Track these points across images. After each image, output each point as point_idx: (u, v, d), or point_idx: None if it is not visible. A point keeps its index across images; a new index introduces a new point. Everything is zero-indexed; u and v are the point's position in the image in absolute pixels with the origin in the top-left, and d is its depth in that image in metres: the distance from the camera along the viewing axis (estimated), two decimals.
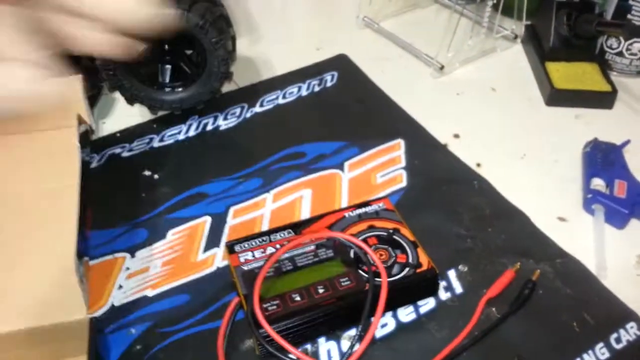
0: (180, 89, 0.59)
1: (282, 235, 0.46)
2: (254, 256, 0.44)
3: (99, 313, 0.43)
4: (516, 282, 0.45)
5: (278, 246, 0.44)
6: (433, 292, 0.45)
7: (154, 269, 0.47)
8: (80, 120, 0.50)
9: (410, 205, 0.51)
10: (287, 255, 0.44)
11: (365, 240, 0.45)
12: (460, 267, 0.47)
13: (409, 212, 0.49)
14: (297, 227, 0.46)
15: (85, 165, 0.48)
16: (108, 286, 0.45)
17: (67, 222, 0.40)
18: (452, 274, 0.46)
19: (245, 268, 0.43)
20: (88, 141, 0.52)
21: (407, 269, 0.43)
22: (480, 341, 0.41)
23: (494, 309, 0.44)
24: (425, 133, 0.60)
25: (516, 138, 0.60)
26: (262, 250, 0.44)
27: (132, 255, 0.48)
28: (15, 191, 0.45)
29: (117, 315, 0.43)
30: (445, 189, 0.53)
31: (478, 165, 0.56)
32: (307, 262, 0.43)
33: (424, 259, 0.44)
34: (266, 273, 0.42)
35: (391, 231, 0.46)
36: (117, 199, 0.53)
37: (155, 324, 0.43)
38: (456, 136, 0.60)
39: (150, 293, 0.45)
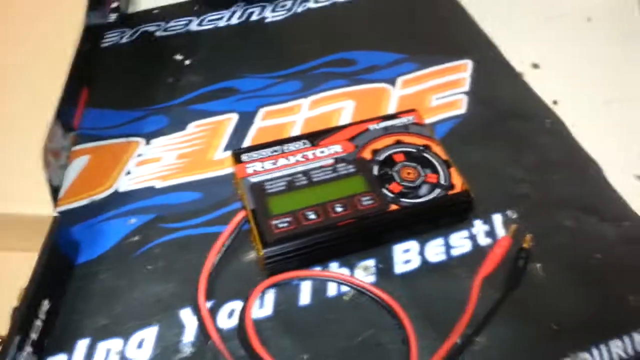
0: None
1: (296, 146, 0.40)
2: (263, 167, 0.39)
3: (100, 197, 0.40)
4: (574, 239, 0.39)
5: (292, 158, 0.39)
6: (465, 218, 0.40)
7: (167, 159, 0.43)
8: None
9: (464, 135, 0.46)
10: (301, 168, 0.39)
11: (391, 157, 0.40)
12: (508, 212, 0.41)
13: (461, 144, 0.44)
14: (314, 138, 0.41)
15: (92, 36, 0.42)
16: (116, 170, 0.42)
17: (45, 104, 0.35)
18: (497, 218, 0.40)
19: (254, 180, 0.38)
20: (103, 10, 0.45)
21: (437, 190, 0.37)
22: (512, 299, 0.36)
23: (538, 265, 0.38)
24: (499, 57, 0.52)
25: (606, 78, 0.51)
26: (273, 161, 0.39)
27: (147, 142, 0.44)
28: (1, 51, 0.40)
29: (120, 202, 0.40)
30: (510, 124, 0.47)
31: (555, 102, 0.49)
32: (324, 177, 0.38)
33: (457, 180, 0.38)
34: (277, 187, 0.38)
35: (421, 148, 0.40)
36: (142, 80, 0.49)
37: (158, 217, 0.39)
38: (535, 66, 0.52)
39: (159, 184, 0.41)
